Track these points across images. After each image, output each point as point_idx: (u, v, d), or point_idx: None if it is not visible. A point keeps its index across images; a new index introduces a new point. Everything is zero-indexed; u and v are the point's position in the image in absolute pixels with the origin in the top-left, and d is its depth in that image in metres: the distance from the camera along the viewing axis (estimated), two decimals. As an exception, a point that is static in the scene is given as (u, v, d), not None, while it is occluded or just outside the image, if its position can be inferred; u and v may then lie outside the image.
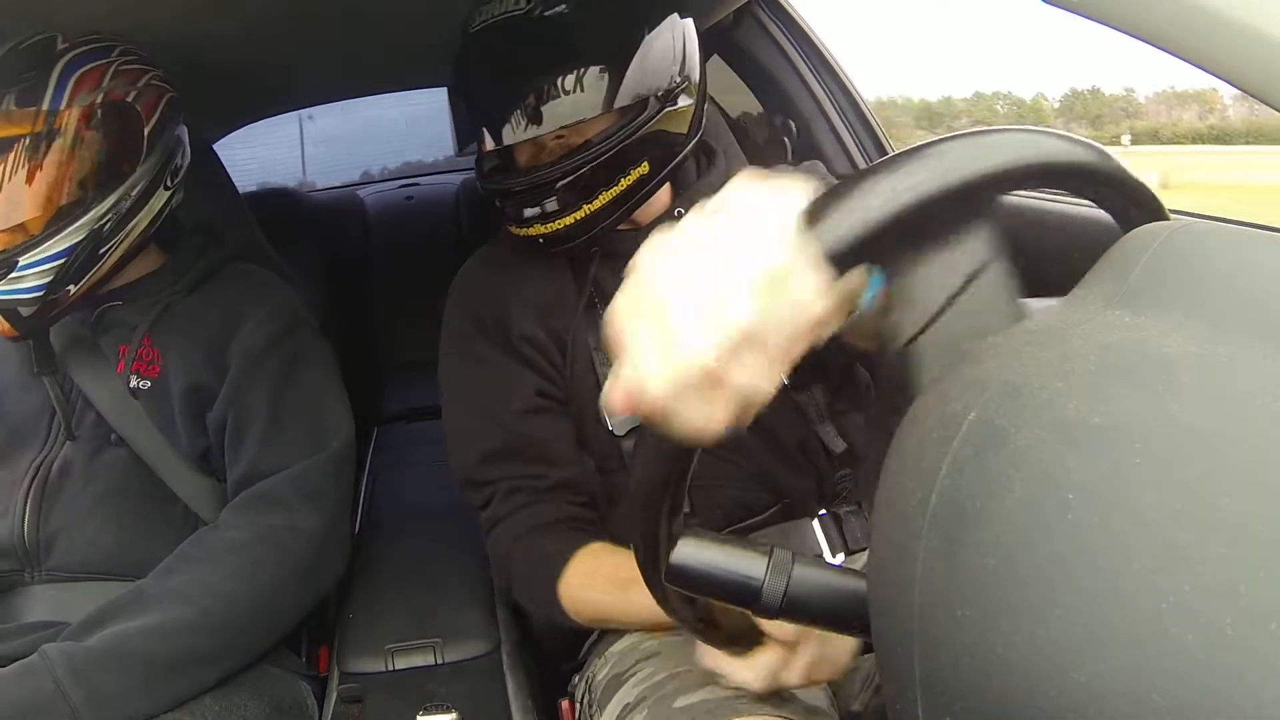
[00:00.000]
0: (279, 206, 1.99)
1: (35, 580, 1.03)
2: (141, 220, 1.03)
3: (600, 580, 0.89)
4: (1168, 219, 0.47)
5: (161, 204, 1.05)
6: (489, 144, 0.93)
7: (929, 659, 0.33)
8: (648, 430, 0.45)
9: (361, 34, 1.48)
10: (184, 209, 1.12)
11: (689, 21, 0.97)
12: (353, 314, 1.89)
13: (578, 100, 0.89)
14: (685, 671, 0.82)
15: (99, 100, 0.98)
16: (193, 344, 1.07)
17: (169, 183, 1.06)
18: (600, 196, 0.92)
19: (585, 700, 0.96)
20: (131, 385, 1.06)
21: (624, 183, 0.92)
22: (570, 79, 0.89)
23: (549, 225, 0.92)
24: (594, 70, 0.90)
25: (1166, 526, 0.28)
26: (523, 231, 0.94)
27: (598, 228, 0.93)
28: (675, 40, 0.95)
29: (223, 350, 1.07)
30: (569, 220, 0.92)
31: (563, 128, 0.90)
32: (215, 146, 1.61)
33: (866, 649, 0.55)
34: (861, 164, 1.44)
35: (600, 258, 0.98)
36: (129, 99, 1.00)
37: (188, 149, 1.10)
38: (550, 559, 0.92)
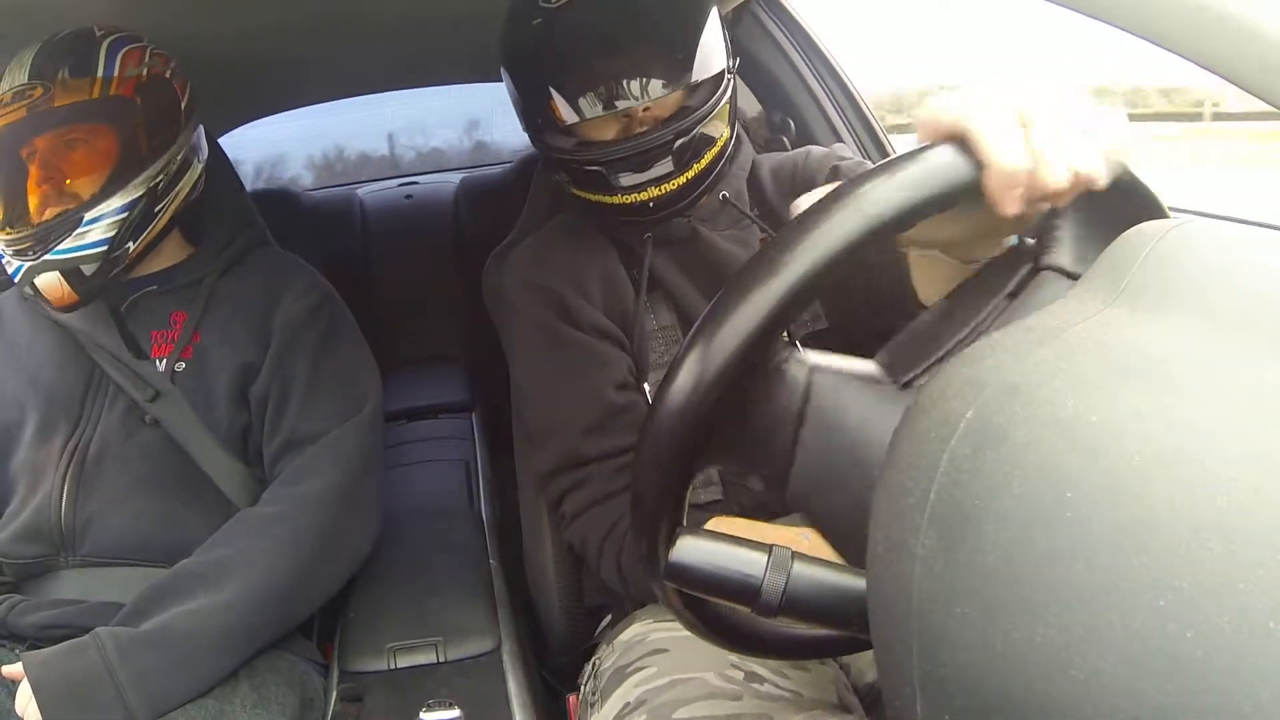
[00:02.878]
0: (278, 206, 1.99)
1: (68, 565, 1.05)
2: (184, 187, 1.09)
3: None
4: (1167, 216, 0.47)
5: (196, 176, 1.12)
6: (586, 113, 0.93)
7: (928, 656, 0.33)
8: (647, 439, 0.45)
9: (366, 34, 1.48)
10: (208, 200, 1.16)
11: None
12: (352, 313, 1.88)
13: (676, 67, 0.92)
14: (689, 679, 0.82)
15: (144, 73, 1.05)
16: (236, 322, 1.10)
17: (200, 158, 1.13)
18: (705, 156, 0.94)
19: (590, 688, 0.96)
20: (169, 368, 1.08)
21: (718, 145, 0.95)
22: (666, 48, 0.92)
23: (661, 188, 0.92)
24: (686, 38, 0.94)
25: (1165, 524, 0.28)
26: (629, 198, 0.94)
27: (697, 191, 0.95)
28: (718, 23, 0.98)
29: (266, 324, 1.11)
30: (681, 181, 0.93)
31: (674, 90, 0.93)
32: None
33: (865, 646, 0.55)
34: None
35: (654, 244, 0.99)
36: (166, 75, 1.09)
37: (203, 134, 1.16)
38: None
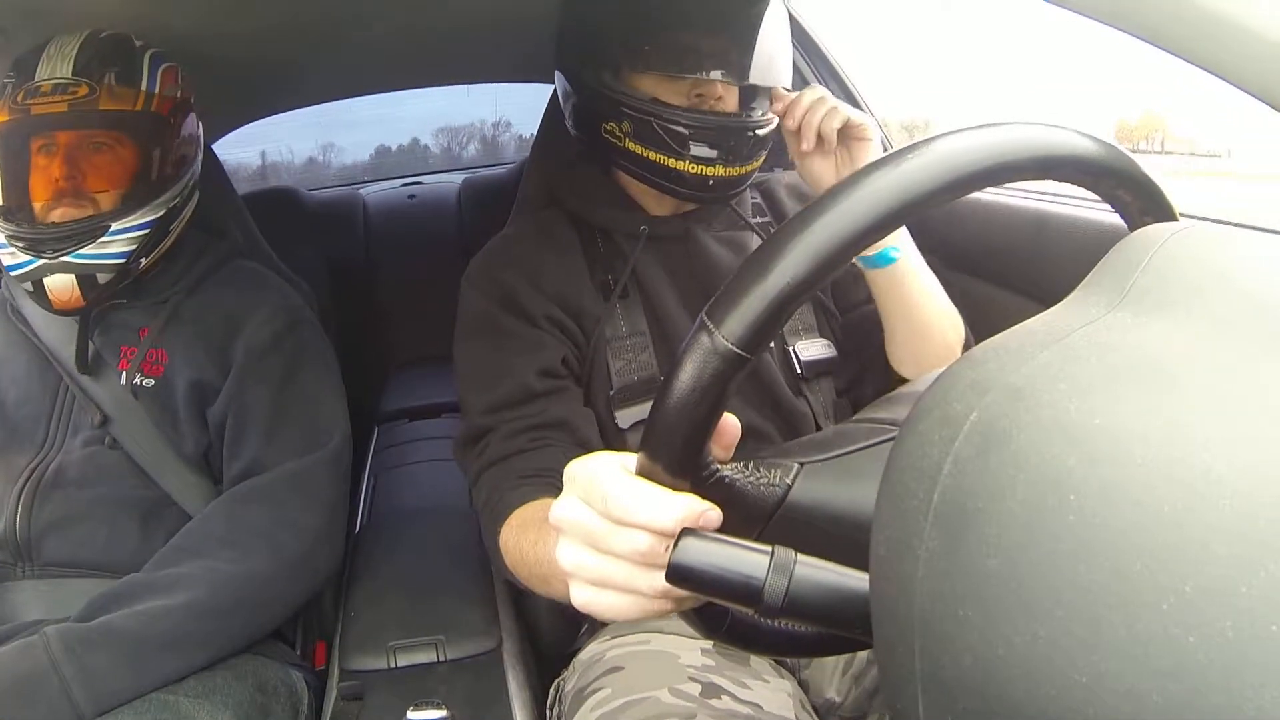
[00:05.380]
0: (281, 206, 2.00)
1: (28, 575, 1.05)
2: (190, 206, 1.12)
3: (533, 519, 0.79)
4: (1177, 220, 0.47)
5: (197, 195, 1.14)
6: (692, 69, 0.92)
7: (930, 659, 0.33)
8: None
9: (365, 33, 1.48)
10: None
11: None
12: (354, 313, 1.89)
13: (774, 64, 0.95)
14: (642, 699, 0.81)
15: (178, 95, 1.09)
16: (197, 342, 1.09)
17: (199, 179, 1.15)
18: (758, 158, 0.96)
19: (555, 714, 0.95)
20: (135, 383, 1.07)
21: (764, 154, 0.97)
22: (768, 42, 0.94)
23: (728, 169, 0.94)
24: (784, 44, 0.97)
25: (1167, 527, 0.28)
26: (695, 168, 0.93)
27: (742, 187, 0.98)
28: None
29: (227, 348, 1.10)
30: (743, 170, 0.95)
31: (768, 85, 0.95)
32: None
33: (861, 647, 0.55)
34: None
35: (646, 241, 1.00)
36: (191, 99, 1.12)
37: None
38: (509, 502, 0.84)
